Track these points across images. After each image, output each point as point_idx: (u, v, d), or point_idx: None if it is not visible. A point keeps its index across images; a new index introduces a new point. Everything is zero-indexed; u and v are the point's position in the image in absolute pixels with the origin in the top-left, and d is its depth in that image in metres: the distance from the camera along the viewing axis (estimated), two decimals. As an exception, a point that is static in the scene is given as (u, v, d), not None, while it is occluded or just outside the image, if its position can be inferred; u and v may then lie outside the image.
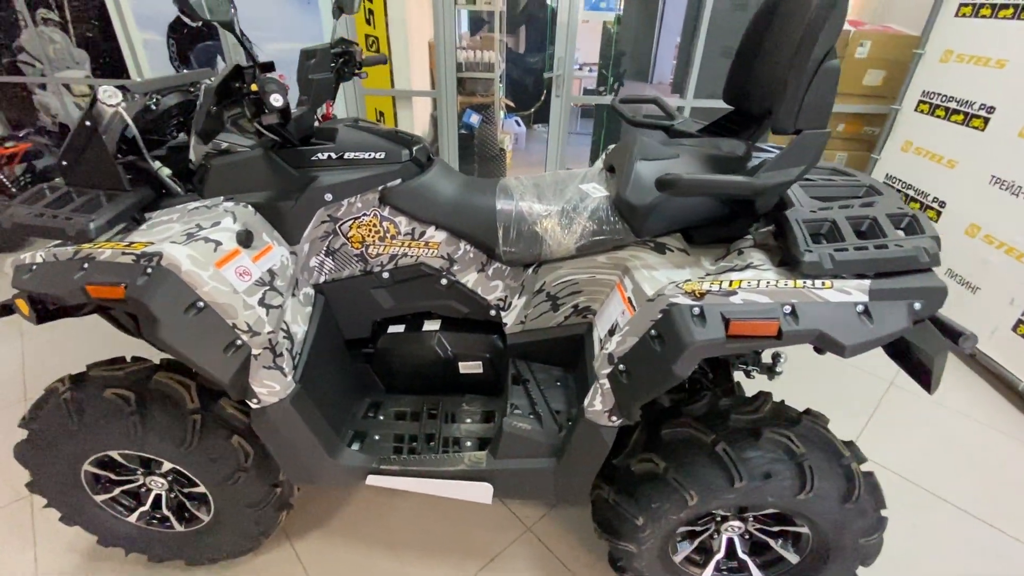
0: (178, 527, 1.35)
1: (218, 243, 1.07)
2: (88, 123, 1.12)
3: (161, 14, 3.19)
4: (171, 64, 3.30)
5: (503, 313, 1.37)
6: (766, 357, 1.61)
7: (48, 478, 1.27)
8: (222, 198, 1.20)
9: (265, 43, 3.25)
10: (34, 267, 1.05)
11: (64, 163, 1.16)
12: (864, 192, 1.19)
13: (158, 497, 1.33)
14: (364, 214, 1.27)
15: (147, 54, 3.31)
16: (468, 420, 1.39)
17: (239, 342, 1.04)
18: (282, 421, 1.14)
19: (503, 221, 1.26)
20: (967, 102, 2.45)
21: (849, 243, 0.95)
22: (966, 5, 2.49)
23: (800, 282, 0.91)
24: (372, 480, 1.26)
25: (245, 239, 1.13)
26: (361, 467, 1.26)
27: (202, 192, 1.22)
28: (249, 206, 1.19)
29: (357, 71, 1.53)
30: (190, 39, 3.25)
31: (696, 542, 1.25)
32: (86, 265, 1.00)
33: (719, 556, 1.26)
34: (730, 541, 1.25)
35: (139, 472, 1.29)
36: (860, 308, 0.88)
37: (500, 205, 1.27)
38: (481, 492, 1.22)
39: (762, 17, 1.20)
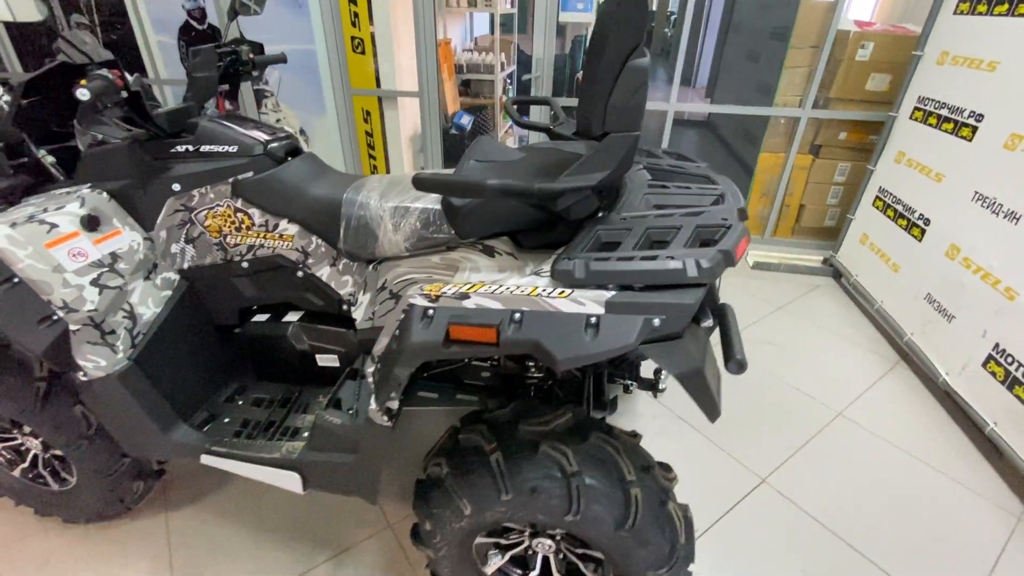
0: (53, 486, 1.47)
1: (54, 225, 1.15)
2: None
3: (174, 17, 3.46)
4: (182, 64, 3.57)
5: (353, 308, 1.38)
6: (647, 372, 1.53)
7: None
8: (86, 185, 1.29)
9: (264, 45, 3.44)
10: None
11: None
12: (713, 201, 1.12)
13: (35, 457, 1.45)
14: (218, 205, 1.33)
15: (162, 55, 3.60)
16: (316, 411, 1.42)
17: (55, 317, 1.12)
18: (108, 395, 1.21)
19: (345, 216, 1.28)
20: (958, 109, 2.20)
21: (622, 254, 0.90)
22: (964, 1, 2.24)
23: (537, 290, 0.86)
24: (205, 459, 1.31)
25: (89, 223, 1.21)
26: (195, 446, 1.31)
27: (74, 179, 1.32)
28: (104, 193, 1.28)
29: (250, 70, 1.60)
30: (198, 41, 3.49)
31: (507, 556, 1.21)
32: None
33: (534, 574, 1.21)
34: (545, 559, 1.21)
35: (14, 431, 1.42)
36: (591, 320, 0.82)
37: (346, 200, 1.29)
38: (291, 481, 1.25)
39: (595, 38, 1.14)
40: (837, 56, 2.96)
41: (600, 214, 1.11)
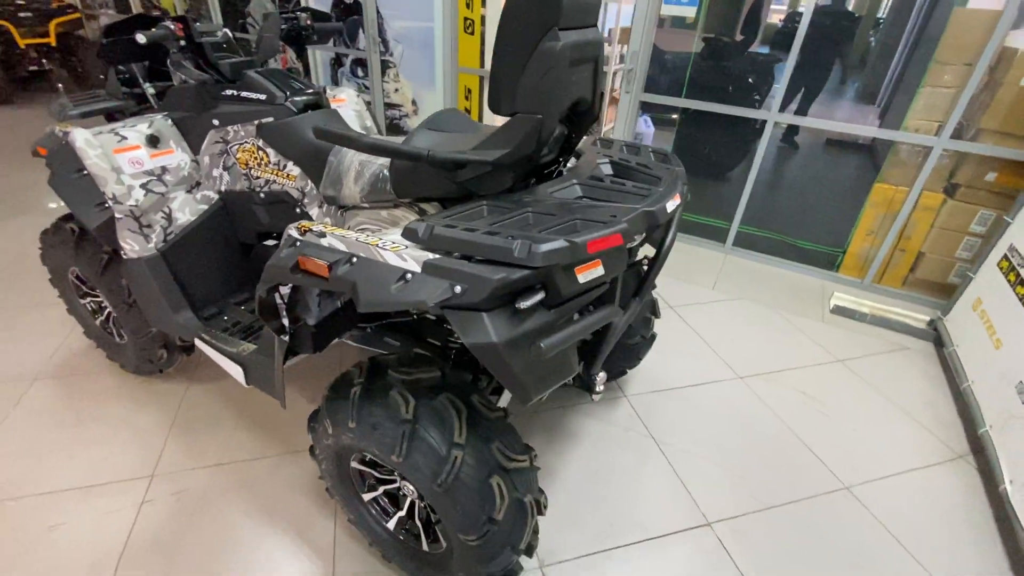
0: (115, 339, 1.94)
1: (124, 137, 1.52)
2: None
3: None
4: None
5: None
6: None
7: None
8: (164, 113, 1.66)
9: (393, 20, 3.83)
10: (41, 137, 1.66)
11: (102, 76, 1.75)
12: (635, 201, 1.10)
13: (108, 313, 1.92)
14: (246, 141, 1.61)
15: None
16: None
17: (106, 205, 1.49)
18: (138, 274, 1.57)
19: (328, 164, 1.47)
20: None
21: (471, 225, 0.94)
22: None
23: (376, 240, 0.95)
24: (198, 342, 1.63)
25: (150, 141, 1.57)
26: (191, 329, 1.63)
27: (161, 108, 1.70)
28: (169, 120, 1.63)
29: (310, 35, 1.87)
30: (347, 11, 4.02)
31: (380, 490, 1.32)
32: (51, 134, 1.55)
33: (400, 513, 1.31)
34: (412, 505, 1.29)
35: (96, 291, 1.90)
36: (406, 276, 0.89)
37: (332, 151, 1.48)
38: (238, 374, 1.49)
39: (504, 18, 1.16)
40: (997, 78, 2.41)
41: (514, 193, 1.14)
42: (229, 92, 1.60)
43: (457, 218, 0.99)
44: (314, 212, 1.60)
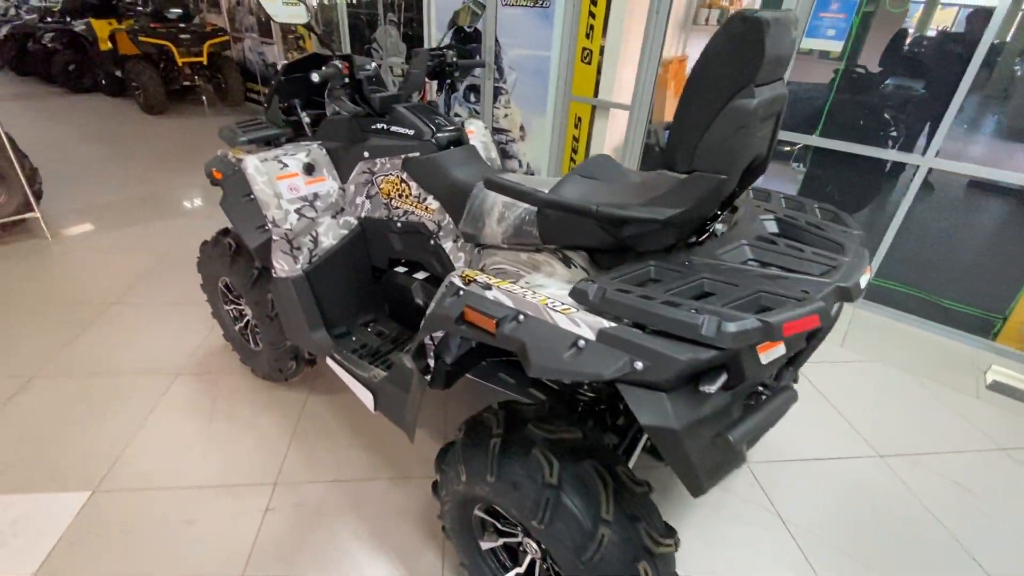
0: (251, 346, 2.09)
1: (285, 165, 1.64)
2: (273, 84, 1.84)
3: (450, 17, 4.20)
4: (448, 58, 4.34)
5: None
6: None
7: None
8: (317, 142, 1.78)
9: (509, 48, 3.92)
10: (212, 159, 1.82)
11: (264, 104, 1.92)
12: (822, 272, 1.00)
13: (247, 321, 2.07)
14: (391, 173, 1.68)
15: (437, 49, 4.41)
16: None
17: (266, 227, 1.60)
18: (283, 292, 1.68)
19: (470, 201, 1.49)
20: None
21: (649, 292, 0.89)
22: None
23: (545, 299, 0.91)
24: (328, 361, 1.70)
25: (307, 169, 1.68)
26: (325, 348, 1.71)
27: (315, 136, 1.82)
28: (324, 149, 1.74)
29: (453, 71, 1.93)
30: (465, 41, 4.18)
31: (500, 541, 1.28)
32: (223, 159, 1.71)
33: (519, 570, 1.26)
34: (533, 562, 1.24)
35: (240, 300, 2.05)
36: (579, 343, 0.84)
37: (476, 187, 1.50)
38: (367, 399, 1.53)
39: (696, 71, 1.09)
40: None
41: (677, 251, 1.08)
42: (379, 125, 1.68)
43: (627, 280, 0.94)
44: (447, 245, 1.62)
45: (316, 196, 1.69)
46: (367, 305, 1.94)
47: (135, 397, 2.05)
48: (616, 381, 0.81)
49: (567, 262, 1.28)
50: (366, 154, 1.68)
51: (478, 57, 2.01)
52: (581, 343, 0.85)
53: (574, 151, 3.89)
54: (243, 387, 2.13)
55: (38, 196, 3.25)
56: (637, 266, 1.00)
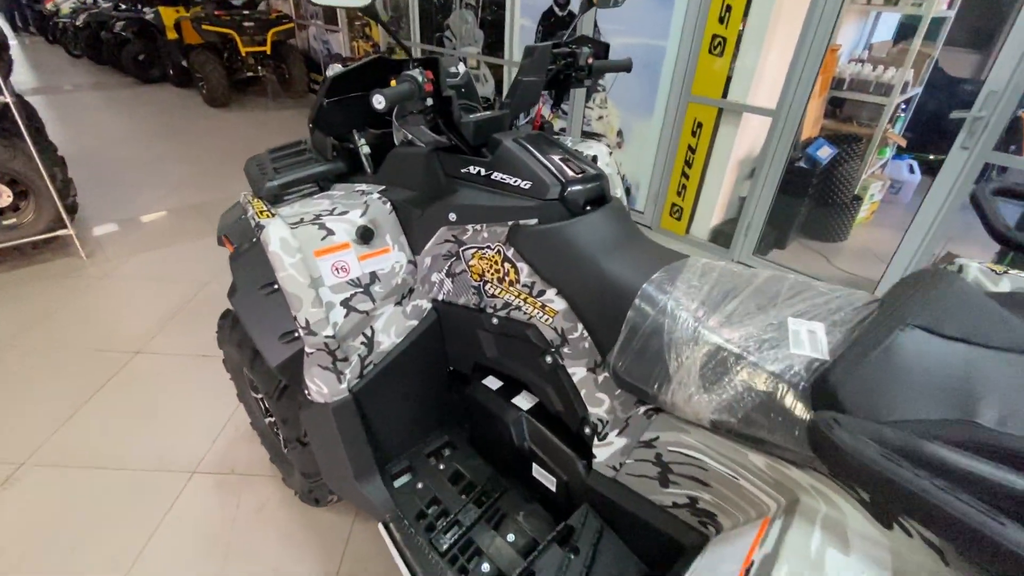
0: (283, 449, 1.54)
1: (330, 232, 1.05)
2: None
3: (540, 1, 3.50)
4: (532, 48, 3.64)
5: (596, 440, 0.96)
6: None
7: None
8: (379, 188, 1.18)
9: (612, 36, 3.19)
10: (230, 210, 1.27)
11: (309, 125, 1.34)
12: None
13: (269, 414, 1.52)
14: (489, 247, 1.06)
15: (519, 38, 3.74)
16: (507, 538, 1.08)
17: (295, 335, 1.02)
18: (320, 423, 1.10)
19: (630, 323, 0.84)
20: None
21: None
22: None
23: None
24: (381, 529, 1.12)
25: (363, 235, 1.08)
26: (377, 509, 1.13)
27: (378, 175, 1.22)
28: (388, 203, 1.14)
29: (584, 76, 1.26)
30: (555, 27, 3.48)
31: None
32: (240, 218, 1.14)
33: None
34: None
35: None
36: None
37: (641, 296, 0.85)
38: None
39: None
40: None
41: None
42: (474, 170, 1.05)
43: None
44: (576, 371, 0.99)
45: (375, 277, 1.10)
46: (440, 422, 1.34)
47: (131, 514, 1.56)
48: None
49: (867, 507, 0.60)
50: (452, 217, 1.06)
51: (610, 56, 1.31)
52: None
53: (687, 164, 3.13)
54: (271, 500, 1.60)
55: (72, 210, 2.90)
56: None
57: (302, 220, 1.05)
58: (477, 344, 1.18)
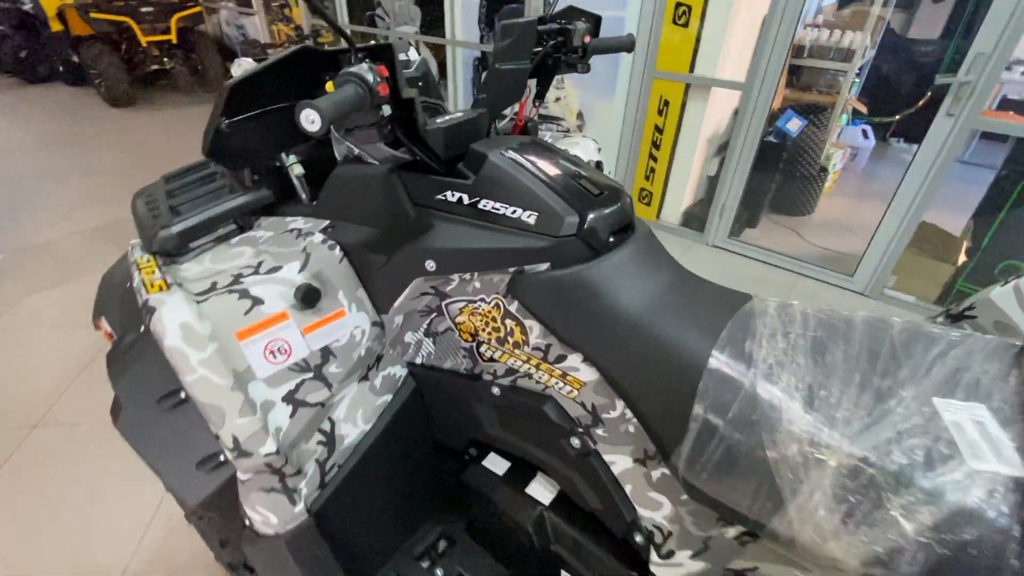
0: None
1: (257, 301, 0.74)
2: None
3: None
4: (477, 26, 3.31)
5: (655, 555, 0.73)
6: None
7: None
8: (322, 224, 0.87)
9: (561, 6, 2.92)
10: (115, 267, 0.93)
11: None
12: None
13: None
14: (483, 300, 0.79)
15: (462, 14, 3.39)
16: None
17: (221, 459, 0.72)
18: (269, 559, 0.81)
19: (707, 409, 0.60)
20: None
21: None
22: None
23: None
24: None
25: (306, 297, 0.78)
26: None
27: (317, 205, 0.91)
28: (338, 248, 0.84)
29: (578, 60, 1.00)
30: (501, 1, 3.16)
31: None
32: (126, 287, 0.81)
33: None
34: None
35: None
36: None
37: (715, 371, 0.61)
38: None
39: None
40: None
41: None
42: (454, 197, 0.77)
43: None
44: (618, 460, 0.75)
45: (328, 354, 0.80)
46: (430, 511, 1.08)
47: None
48: None
49: None
50: (430, 266, 0.78)
51: (597, 33, 1.04)
52: None
53: (655, 145, 2.93)
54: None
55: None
56: None
57: (214, 286, 0.74)
58: (472, 418, 0.92)
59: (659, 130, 2.87)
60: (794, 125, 2.94)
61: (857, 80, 3.91)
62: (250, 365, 0.72)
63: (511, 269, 0.74)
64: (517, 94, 0.92)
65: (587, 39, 0.96)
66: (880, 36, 3.63)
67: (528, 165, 0.76)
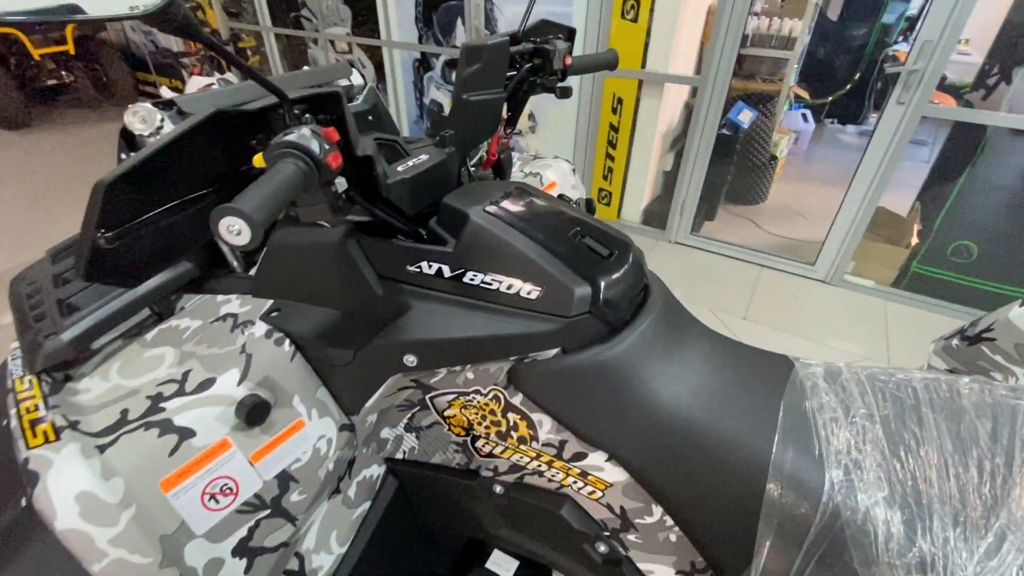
0: None
1: (186, 434, 0.56)
2: (122, 156, 0.73)
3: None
4: (415, 25, 3.10)
5: None
6: None
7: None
8: (264, 307, 0.70)
9: (507, 5, 2.76)
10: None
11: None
12: None
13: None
14: (478, 392, 0.64)
15: (396, 13, 3.17)
16: None
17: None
18: None
19: (779, 526, 0.49)
20: None
21: None
22: None
23: None
24: None
25: (252, 414, 0.60)
26: None
27: (255, 281, 0.72)
28: (287, 342, 0.66)
29: (556, 82, 0.86)
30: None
31: None
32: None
33: None
34: None
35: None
36: None
37: (782, 473, 0.49)
38: None
39: None
40: None
41: None
42: (431, 269, 0.62)
43: None
44: (657, 571, 0.63)
45: (287, 480, 0.63)
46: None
47: None
48: None
49: None
50: (410, 361, 0.63)
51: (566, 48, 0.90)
52: None
53: (611, 144, 2.84)
54: None
55: None
56: None
57: (124, 418, 0.56)
58: (471, 519, 0.78)
59: (614, 128, 2.78)
60: (746, 116, 2.93)
61: (797, 66, 3.99)
62: (184, 521, 0.55)
63: (512, 358, 0.60)
64: (490, 129, 0.77)
65: (568, 60, 0.82)
66: (814, 21, 3.69)
67: (519, 224, 0.62)
